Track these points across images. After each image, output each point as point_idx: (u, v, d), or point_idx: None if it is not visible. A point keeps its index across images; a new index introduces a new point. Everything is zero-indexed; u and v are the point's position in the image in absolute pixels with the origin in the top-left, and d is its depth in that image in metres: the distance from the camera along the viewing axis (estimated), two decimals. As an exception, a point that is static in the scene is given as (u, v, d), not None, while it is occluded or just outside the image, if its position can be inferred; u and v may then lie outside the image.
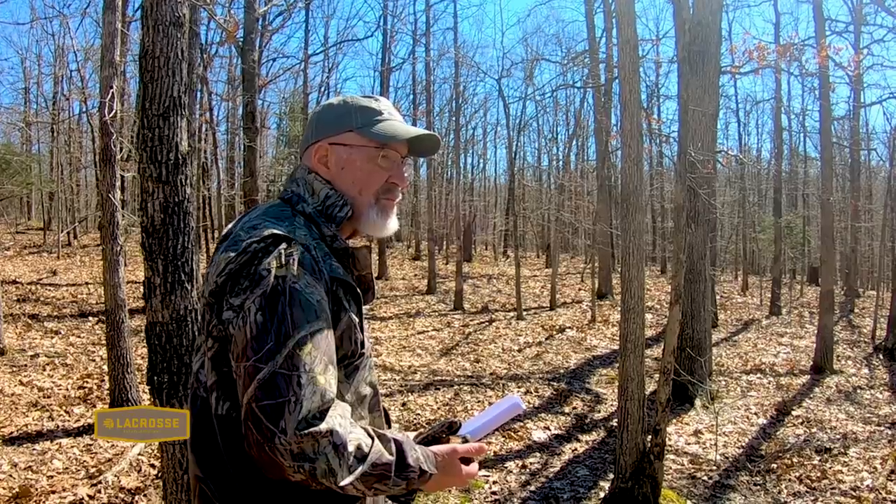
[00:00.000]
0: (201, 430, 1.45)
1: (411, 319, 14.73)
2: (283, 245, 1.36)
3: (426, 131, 1.64)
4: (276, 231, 1.38)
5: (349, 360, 1.46)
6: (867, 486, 5.99)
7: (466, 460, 1.53)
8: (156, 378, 3.44)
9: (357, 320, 1.46)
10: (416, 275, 22.67)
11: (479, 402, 8.27)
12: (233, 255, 1.37)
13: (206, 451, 1.43)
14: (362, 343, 1.48)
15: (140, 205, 3.57)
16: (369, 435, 1.34)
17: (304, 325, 1.30)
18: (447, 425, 1.60)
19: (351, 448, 1.27)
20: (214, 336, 1.39)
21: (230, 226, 1.54)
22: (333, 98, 1.67)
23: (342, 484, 1.27)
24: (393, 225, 1.64)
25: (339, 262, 1.49)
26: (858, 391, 9.60)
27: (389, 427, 1.72)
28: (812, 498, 5.76)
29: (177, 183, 3.48)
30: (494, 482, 5.90)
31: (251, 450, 1.27)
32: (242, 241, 1.39)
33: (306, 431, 1.23)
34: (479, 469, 1.63)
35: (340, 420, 1.28)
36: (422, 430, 1.65)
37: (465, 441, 1.57)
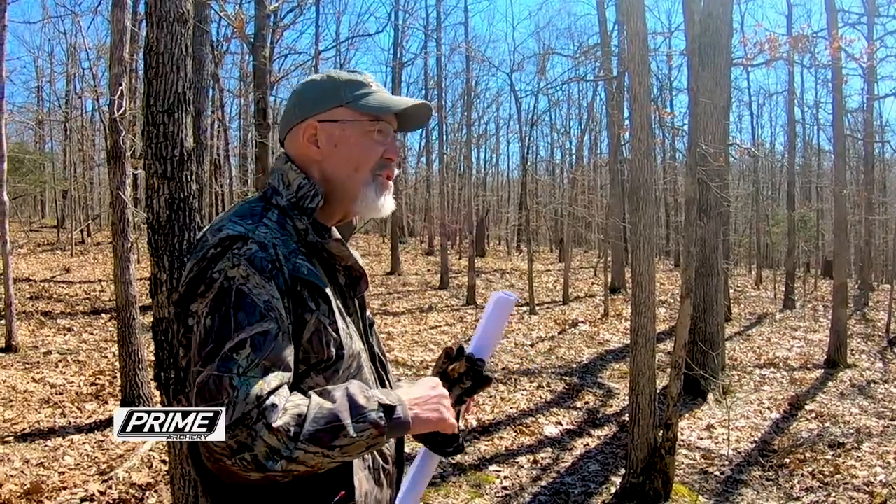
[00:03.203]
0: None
1: (424, 314, 14.70)
2: (238, 245, 1.29)
3: (419, 101, 1.54)
4: (231, 232, 1.30)
5: (325, 364, 1.35)
6: (881, 481, 5.93)
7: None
8: (163, 374, 3.44)
9: (327, 321, 1.35)
10: (428, 270, 22.67)
11: (490, 396, 8.25)
12: (194, 261, 1.33)
13: (198, 457, 1.37)
14: (340, 345, 1.37)
15: (146, 201, 3.57)
16: (306, 396, 1.23)
17: (245, 327, 1.21)
18: (445, 354, 1.56)
19: (284, 419, 1.15)
20: (184, 345, 1.34)
21: (207, 227, 1.45)
22: (315, 75, 1.58)
23: (294, 455, 1.14)
24: (390, 204, 1.53)
25: (316, 257, 1.42)
26: (872, 385, 9.52)
27: None
28: (825, 493, 5.71)
29: (182, 179, 3.48)
30: (506, 477, 5.89)
31: (205, 460, 1.21)
32: (204, 246, 1.33)
33: (240, 427, 1.15)
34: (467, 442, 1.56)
35: (272, 409, 1.17)
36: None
37: (480, 361, 1.53)
